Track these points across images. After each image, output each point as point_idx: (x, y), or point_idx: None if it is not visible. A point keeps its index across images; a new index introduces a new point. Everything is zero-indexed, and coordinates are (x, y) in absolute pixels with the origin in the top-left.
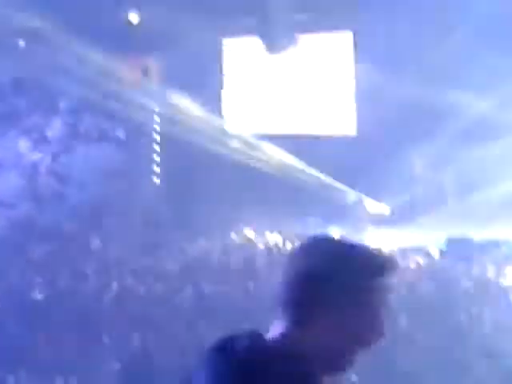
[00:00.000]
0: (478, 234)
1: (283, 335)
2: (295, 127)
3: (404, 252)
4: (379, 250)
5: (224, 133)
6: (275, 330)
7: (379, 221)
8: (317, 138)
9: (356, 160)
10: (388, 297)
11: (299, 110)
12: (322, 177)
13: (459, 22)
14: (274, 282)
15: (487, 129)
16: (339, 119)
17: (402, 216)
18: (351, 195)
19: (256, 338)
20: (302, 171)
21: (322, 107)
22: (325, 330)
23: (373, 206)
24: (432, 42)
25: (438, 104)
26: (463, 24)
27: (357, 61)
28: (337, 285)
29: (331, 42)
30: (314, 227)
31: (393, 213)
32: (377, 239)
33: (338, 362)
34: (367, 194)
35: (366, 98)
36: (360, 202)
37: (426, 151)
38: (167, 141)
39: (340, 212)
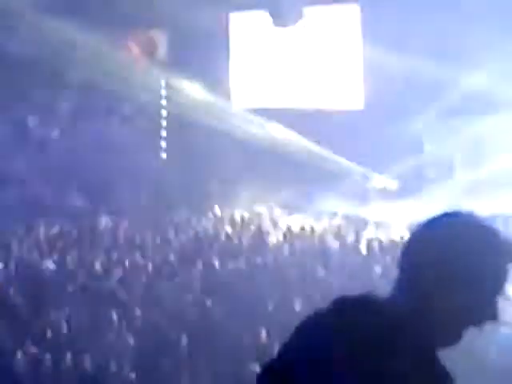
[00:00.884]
0: (484, 208)
1: (403, 303)
2: (302, 101)
3: (412, 226)
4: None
5: (230, 109)
6: (395, 296)
7: (386, 194)
8: (325, 112)
9: (363, 134)
10: (505, 284)
11: (306, 85)
12: (330, 153)
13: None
14: (283, 256)
15: (492, 104)
16: (347, 93)
17: (409, 190)
18: (359, 170)
19: (374, 302)
20: (310, 147)
21: (329, 81)
22: (443, 305)
23: (380, 181)
24: (436, 19)
25: (443, 78)
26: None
27: (363, 34)
28: (465, 263)
29: (338, 15)
30: (321, 202)
31: (400, 187)
32: (384, 212)
33: (449, 336)
34: (374, 169)
35: (372, 71)
36: (367, 176)
37: (433, 126)
38: (173, 117)
39: (347, 186)
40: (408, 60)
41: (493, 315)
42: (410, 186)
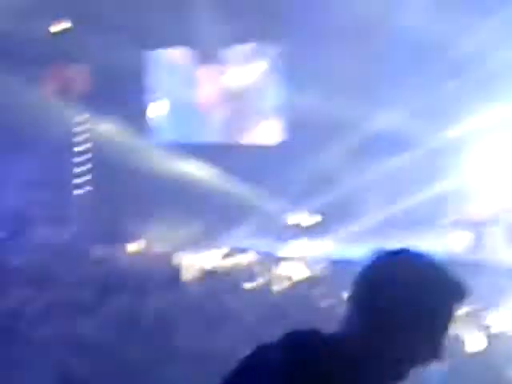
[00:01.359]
0: (401, 243)
1: (344, 338)
2: (220, 136)
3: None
4: (457, 276)
5: (148, 145)
6: (340, 330)
7: (302, 231)
8: (242, 147)
9: (280, 168)
10: (452, 322)
11: (224, 120)
12: (247, 187)
13: (376, 39)
14: (195, 293)
15: (401, 141)
16: (264, 128)
17: (330, 226)
18: (277, 205)
19: (316, 336)
20: (226, 183)
21: (247, 116)
22: (391, 342)
23: (297, 217)
24: (349, 57)
25: (357, 116)
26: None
27: (282, 72)
28: (413, 302)
29: (259, 53)
30: (239, 238)
31: (320, 223)
32: (303, 249)
33: (396, 374)
34: (294, 204)
35: (289, 107)
36: (286, 212)
37: (351, 160)
38: (90, 153)
39: (266, 222)
40: (323, 98)
41: (439, 354)
42: (325, 222)
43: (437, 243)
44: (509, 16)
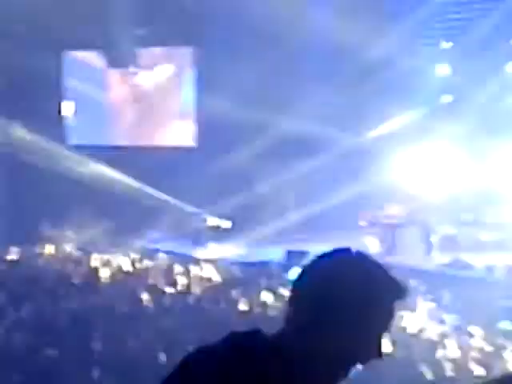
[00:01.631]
0: (316, 247)
1: (285, 338)
2: (135, 139)
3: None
4: (396, 276)
5: (62, 148)
6: (282, 331)
7: (219, 235)
8: (154, 148)
9: (192, 170)
10: (391, 322)
11: (139, 123)
12: (160, 189)
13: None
14: (112, 295)
15: (313, 144)
16: (175, 130)
17: (243, 230)
18: (190, 209)
19: (257, 337)
20: (140, 186)
21: (162, 119)
22: (330, 342)
23: (213, 220)
24: (263, 66)
25: (268, 119)
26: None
27: (197, 75)
28: (352, 301)
29: (172, 56)
30: (152, 242)
31: (234, 227)
32: (218, 252)
33: (335, 373)
34: (207, 207)
35: (204, 110)
36: (200, 215)
37: (266, 166)
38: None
39: (181, 224)
40: (234, 101)
41: (378, 353)
42: (243, 225)
43: (352, 244)
44: (419, 22)
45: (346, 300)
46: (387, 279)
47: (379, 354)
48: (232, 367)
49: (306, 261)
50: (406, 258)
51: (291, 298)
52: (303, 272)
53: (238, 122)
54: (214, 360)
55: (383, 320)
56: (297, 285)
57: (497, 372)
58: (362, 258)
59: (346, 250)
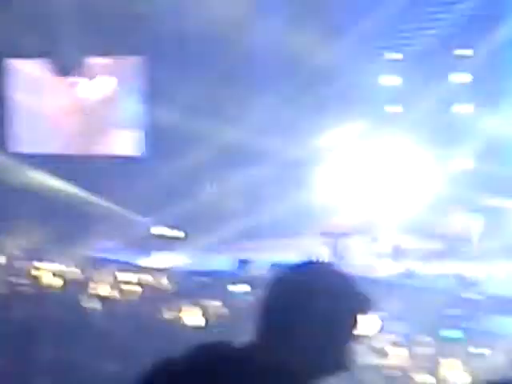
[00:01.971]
0: (265, 255)
1: (255, 350)
2: (80, 148)
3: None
4: (363, 286)
5: (3, 155)
6: (250, 343)
7: (168, 244)
8: (103, 158)
9: (142, 181)
10: (357, 334)
11: (84, 131)
12: (108, 200)
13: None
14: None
15: (261, 155)
16: (119, 140)
17: (192, 239)
18: (138, 218)
19: (224, 349)
20: (86, 195)
21: (108, 128)
22: (295, 354)
23: (161, 229)
24: (209, 73)
25: (213, 130)
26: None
27: (143, 84)
28: (319, 312)
29: (121, 65)
30: (99, 251)
31: (185, 237)
32: (164, 262)
33: None
34: (154, 216)
35: (146, 120)
36: (147, 224)
37: (213, 175)
38: None
39: (126, 235)
40: (184, 111)
41: (345, 364)
42: (191, 234)
43: (300, 253)
44: (364, 32)
45: (314, 311)
46: (352, 290)
47: (346, 366)
48: (202, 380)
49: (273, 271)
50: (354, 267)
51: (261, 309)
52: (273, 283)
53: (185, 132)
54: (183, 373)
55: (349, 331)
56: (266, 296)
57: (442, 380)
58: (330, 269)
59: (316, 262)
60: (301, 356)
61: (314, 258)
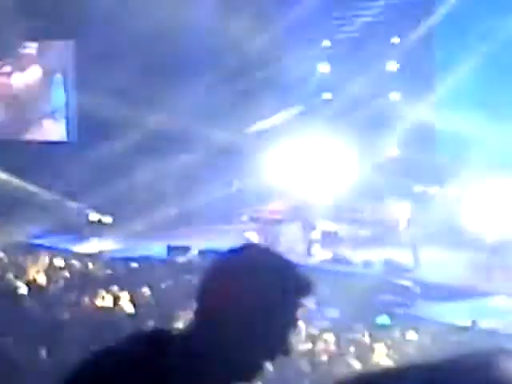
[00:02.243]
0: (198, 242)
1: (191, 338)
2: (6, 134)
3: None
4: (302, 270)
5: None
6: (187, 331)
7: (100, 229)
8: (27, 143)
9: (66, 166)
10: (297, 319)
11: (7, 117)
12: (38, 187)
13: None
14: None
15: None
16: (47, 126)
17: (124, 225)
18: (70, 204)
19: (162, 335)
20: (18, 181)
21: (33, 115)
22: (236, 339)
23: (94, 215)
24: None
25: (142, 117)
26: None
27: (76, 67)
28: (257, 295)
29: (44, 54)
30: (32, 237)
31: (115, 222)
32: (97, 247)
33: (242, 371)
34: (86, 202)
35: (74, 106)
36: (80, 210)
37: (145, 162)
38: None
39: (60, 221)
40: (112, 99)
41: (285, 350)
42: (124, 220)
43: (233, 240)
44: (300, 20)
45: (254, 296)
46: (292, 275)
47: (286, 351)
48: (140, 367)
49: (206, 257)
50: (287, 253)
51: (199, 295)
52: (211, 269)
53: (114, 118)
54: (120, 362)
55: (289, 316)
56: (204, 281)
57: (373, 365)
58: (269, 254)
59: (254, 247)
60: (238, 342)
61: (255, 244)
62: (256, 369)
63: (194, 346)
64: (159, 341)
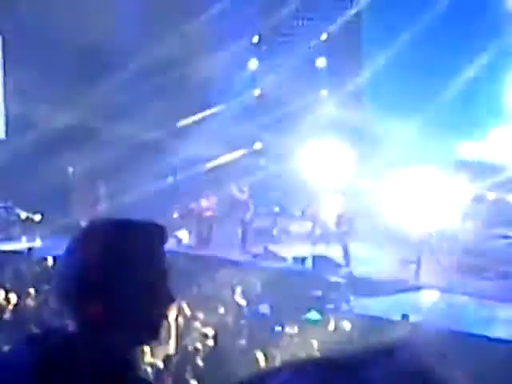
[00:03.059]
0: None
1: (75, 333)
2: None
3: None
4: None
5: None
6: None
7: (30, 228)
8: None
9: (5, 164)
10: (165, 263)
11: None
12: None
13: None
14: None
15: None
16: None
17: (55, 223)
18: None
19: (51, 335)
20: None
21: None
22: (118, 306)
23: (23, 213)
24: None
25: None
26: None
27: (5, 64)
28: (120, 260)
29: None
30: None
31: (45, 220)
32: (27, 245)
33: (142, 332)
34: (16, 200)
35: (16, 101)
36: (8, 208)
37: (74, 160)
38: None
39: None
40: (44, 98)
41: (169, 298)
42: (54, 218)
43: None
44: (230, 17)
45: (113, 263)
46: (144, 226)
47: (172, 297)
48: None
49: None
50: (219, 249)
51: (57, 282)
52: (66, 253)
53: (43, 117)
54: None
55: (154, 267)
56: (61, 267)
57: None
58: (110, 222)
59: (94, 222)
60: (111, 325)
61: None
62: (153, 326)
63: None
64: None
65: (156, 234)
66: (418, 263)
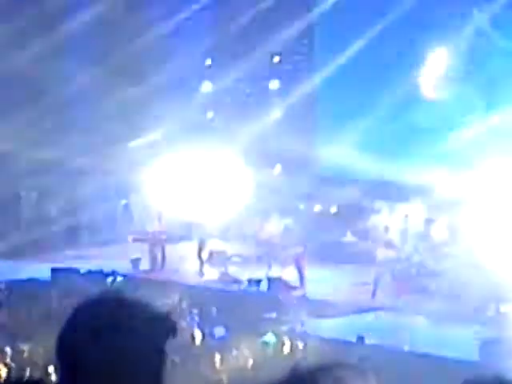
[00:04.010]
0: (84, 264)
1: None
2: None
3: None
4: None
5: None
6: None
7: None
8: None
9: None
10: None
11: None
12: None
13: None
14: None
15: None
16: None
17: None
18: None
19: None
20: None
21: None
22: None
23: None
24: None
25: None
26: None
27: None
28: (129, 346)
29: None
30: None
31: None
32: None
33: None
34: None
35: None
36: None
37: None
38: None
39: None
40: None
41: None
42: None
43: (120, 261)
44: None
45: (123, 347)
46: (157, 319)
47: None
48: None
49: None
50: (174, 273)
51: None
52: (69, 321)
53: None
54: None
55: (157, 358)
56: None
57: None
58: (125, 302)
59: (109, 295)
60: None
61: (111, 291)
62: None
63: None
64: None
65: (170, 330)
66: (375, 284)
